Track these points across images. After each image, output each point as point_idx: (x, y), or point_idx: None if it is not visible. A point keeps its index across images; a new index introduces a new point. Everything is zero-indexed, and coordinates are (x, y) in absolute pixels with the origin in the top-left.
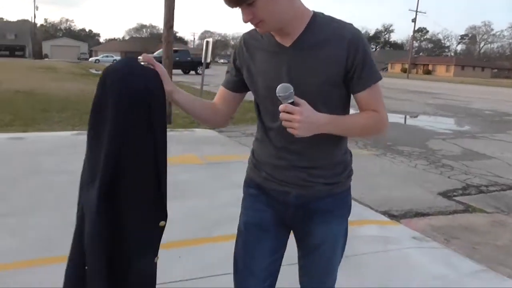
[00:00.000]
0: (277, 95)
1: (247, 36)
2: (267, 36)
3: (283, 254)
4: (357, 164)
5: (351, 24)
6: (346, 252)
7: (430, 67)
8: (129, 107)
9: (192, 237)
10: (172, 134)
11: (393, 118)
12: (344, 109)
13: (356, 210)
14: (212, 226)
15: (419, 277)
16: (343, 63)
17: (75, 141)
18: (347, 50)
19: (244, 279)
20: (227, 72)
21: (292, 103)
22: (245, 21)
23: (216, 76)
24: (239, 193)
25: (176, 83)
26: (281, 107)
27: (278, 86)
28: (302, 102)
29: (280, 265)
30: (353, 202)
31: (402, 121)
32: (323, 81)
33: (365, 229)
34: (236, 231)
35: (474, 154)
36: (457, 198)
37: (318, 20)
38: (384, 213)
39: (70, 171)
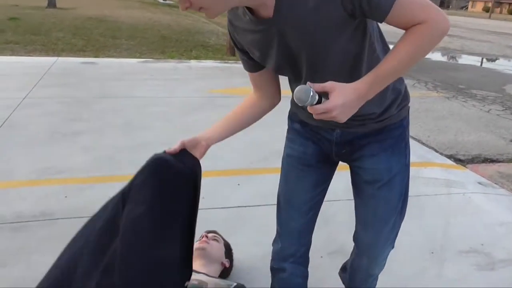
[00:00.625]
0: (297, 101)
1: (231, 17)
2: (243, 14)
3: (327, 187)
4: (425, 106)
5: None
6: None
7: None
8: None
9: (251, 167)
10: (236, 66)
11: (468, 60)
12: (378, 39)
13: (420, 152)
14: (271, 157)
15: (482, 221)
16: (339, 8)
17: (142, 68)
18: None
19: (286, 212)
20: (240, 57)
21: (319, 97)
22: (182, 9)
23: None
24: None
25: None
26: (310, 109)
27: (296, 95)
28: (328, 87)
29: (323, 198)
30: (417, 144)
31: (478, 63)
32: (330, 39)
33: (428, 171)
34: None
35: None
36: None
37: None
38: (450, 156)
39: (136, 96)
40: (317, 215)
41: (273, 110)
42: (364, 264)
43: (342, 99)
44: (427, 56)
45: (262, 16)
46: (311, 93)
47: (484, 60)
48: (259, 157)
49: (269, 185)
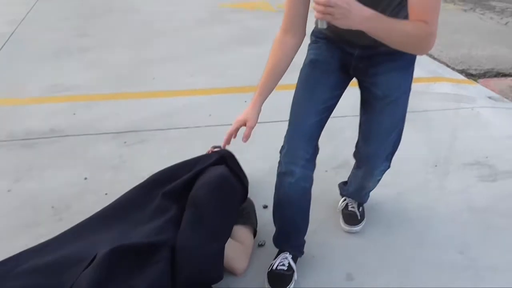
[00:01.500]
0: None
1: None
2: None
3: (341, 95)
4: (440, 19)
5: None
6: (415, 107)
7: None
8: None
9: (258, 84)
10: None
11: None
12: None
13: (431, 67)
14: None
15: (488, 135)
16: None
17: None
18: None
19: (303, 109)
20: None
21: None
22: None
23: None
24: (309, 42)
25: None
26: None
27: None
28: None
29: (336, 104)
30: (428, 59)
31: None
32: None
33: (438, 86)
34: None
35: None
36: None
37: None
38: (462, 71)
39: (143, 11)
40: (327, 120)
41: (279, 25)
42: (360, 175)
43: (349, 4)
44: None
45: None
46: None
47: None
48: None
49: (276, 101)
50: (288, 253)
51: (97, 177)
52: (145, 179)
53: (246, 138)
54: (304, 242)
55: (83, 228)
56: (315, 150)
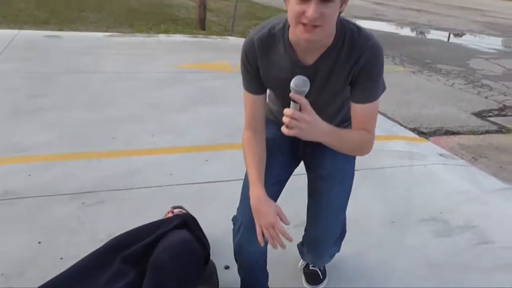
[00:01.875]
0: (294, 87)
1: (264, 48)
2: (285, 50)
3: (292, 172)
4: (391, 81)
5: (371, 40)
6: (372, 164)
7: None
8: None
9: (219, 143)
10: (206, 41)
11: (435, 35)
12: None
13: (385, 125)
14: (237, 133)
15: (441, 191)
16: (352, 76)
17: (109, 42)
18: (358, 65)
19: (247, 198)
20: (249, 75)
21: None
22: (312, 16)
23: None
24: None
25: None
26: (289, 112)
27: (296, 78)
28: (309, 108)
29: (288, 178)
30: (382, 118)
31: (445, 38)
32: (337, 93)
33: (392, 143)
34: None
35: None
36: (491, 119)
37: (342, 36)
38: (414, 129)
39: (103, 71)
40: (280, 193)
41: (241, 85)
42: (310, 258)
43: (316, 118)
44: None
45: (302, 61)
46: (308, 87)
47: (451, 35)
48: (226, 133)
49: (236, 160)
50: None
51: (52, 240)
52: (103, 241)
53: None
54: (267, 277)
55: None
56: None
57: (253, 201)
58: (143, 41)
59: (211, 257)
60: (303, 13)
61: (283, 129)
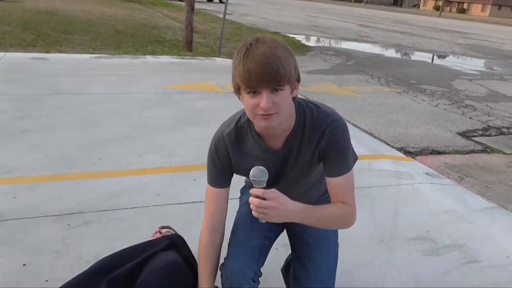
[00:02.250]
0: (251, 178)
1: (234, 143)
2: (253, 139)
3: (278, 236)
4: (377, 101)
5: (332, 115)
6: (359, 184)
7: (465, 6)
8: None
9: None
10: (193, 62)
11: (419, 56)
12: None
13: (372, 145)
14: None
15: (428, 210)
16: (319, 151)
17: (95, 64)
18: (323, 141)
19: (246, 230)
20: (217, 170)
21: (264, 188)
22: (266, 107)
23: (240, 6)
24: None
25: (199, 11)
26: (254, 191)
27: (253, 169)
28: (274, 190)
29: (276, 237)
30: (369, 137)
31: (429, 60)
32: (305, 172)
33: (379, 163)
34: None
35: (500, 96)
36: (476, 139)
37: (302, 118)
38: (400, 149)
39: (90, 93)
40: (269, 250)
41: (228, 105)
42: None
43: (284, 201)
44: (380, 53)
45: (271, 146)
46: (266, 176)
47: (435, 56)
48: None
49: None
50: None
51: (37, 263)
52: (90, 262)
53: None
54: None
55: None
56: (260, 271)
57: None
58: (130, 62)
59: None
60: (257, 105)
61: (254, 213)
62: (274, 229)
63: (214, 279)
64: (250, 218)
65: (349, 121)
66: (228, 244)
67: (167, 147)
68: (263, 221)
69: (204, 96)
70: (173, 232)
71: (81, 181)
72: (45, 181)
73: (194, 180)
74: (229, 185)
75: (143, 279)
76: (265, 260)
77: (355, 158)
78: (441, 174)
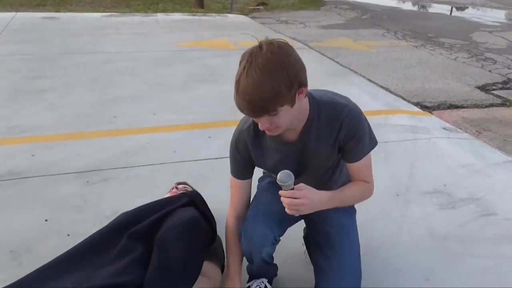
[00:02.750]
0: (279, 183)
1: (251, 138)
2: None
3: (295, 220)
4: (393, 55)
5: (347, 106)
6: None
7: None
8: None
9: (221, 119)
10: (205, 19)
11: (437, 9)
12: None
13: (388, 100)
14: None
15: (445, 164)
16: (338, 143)
17: (107, 22)
18: (341, 132)
19: (269, 198)
20: (239, 163)
21: (292, 189)
22: (262, 129)
23: None
24: None
25: None
26: (283, 193)
27: (280, 174)
28: (302, 185)
29: (290, 223)
30: (385, 92)
31: (447, 12)
32: (325, 162)
33: (395, 118)
34: None
35: None
36: (495, 92)
37: (316, 110)
38: (417, 104)
39: (102, 52)
40: (289, 223)
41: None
42: None
43: (313, 194)
44: (396, 6)
45: (286, 138)
46: (292, 179)
47: (453, 8)
48: (229, 109)
49: None
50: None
51: (58, 218)
52: (109, 218)
53: None
54: (276, 267)
55: (47, 270)
56: (279, 236)
57: None
58: (141, 20)
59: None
60: (258, 123)
61: (287, 211)
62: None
63: (241, 265)
64: (272, 189)
65: (364, 76)
66: (250, 208)
67: (182, 104)
68: (296, 214)
69: (217, 53)
70: (190, 189)
71: (97, 139)
72: (62, 139)
73: (209, 137)
74: (251, 177)
75: (163, 234)
76: (285, 230)
77: (375, 142)
78: (459, 128)
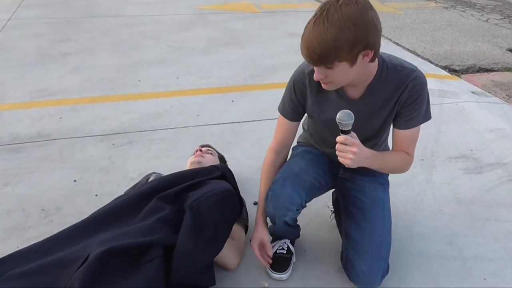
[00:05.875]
0: (338, 121)
1: (311, 75)
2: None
3: (323, 190)
4: (422, 17)
5: (415, 71)
6: None
7: None
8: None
9: (245, 83)
10: None
11: None
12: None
13: (415, 63)
14: (264, 73)
15: (472, 129)
16: (398, 106)
17: None
18: (404, 95)
19: (303, 164)
20: (290, 102)
21: (350, 132)
22: (316, 79)
23: None
24: (293, 43)
25: None
26: (341, 139)
27: (340, 112)
28: (355, 136)
29: (318, 193)
30: (412, 56)
31: None
32: (381, 126)
33: None
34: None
35: None
36: None
37: (384, 73)
38: (445, 67)
39: (124, 15)
40: (317, 193)
41: (265, 25)
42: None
43: (361, 148)
44: None
45: (348, 94)
46: (352, 119)
47: None
48: (253, 73)
49: (262, 101)
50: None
51: (86, 179)
52: (134, 179)
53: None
54: (299, 228)
55: (76, 229)
56: (305, 203)
57: (254, 243)
58: None
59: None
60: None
61: (340, 159)
62: (326, 178)
63: None
64: (306, 156)
65: (390, 39)
66: (280, 171)
67: (204, 68)
68: (347, 165)
69: (240, 16)
70: (213, 150)
71: (122, 103)
72: (88, 102)
73: (232, 101)
74: (299, 120)
75: (197, 199)
76: (312, 198)
77: (429, 116)
78: (488, 92)
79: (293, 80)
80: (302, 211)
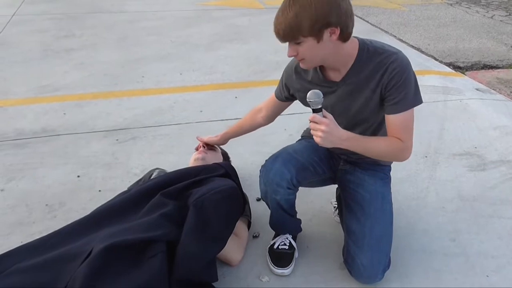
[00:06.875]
0: (308, 100)
1: (299, 69)
2: (314, 70)
3: (318, 177)
4: (426, 13)
5: (396, 53)
6: None
7: None
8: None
9: (248, 80)
10: None
11: None
12: (380, 123)
13: (419, 61)
14: (266, 69)
15: (476, 126)
16: (380, 89)
17: None
18: (384, 77)
19: (299, 148)
20: (279, 86)
21: (320, 110)
22: (289, 56)
23: None
24: None
25: None
26: (310, 117)
27: (309, 92)
28: (329, 116)
29: (312, 177)
30: (416, 53)
31: None
32: (365, 109)
33: (426, 79)
34: None
35: None
36: None
37: (364, 56)
38: (449, 64)
39: (128, 11)
40: (311, 177)
41: (269, 21)
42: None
43: (332, 127)
44: None
45: (329, 78)
46: (321, 97)
47: None
48: (256, 70)
49: (266, 97)
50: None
51: (90, 174)
52: (137, 175)
53: (201, 141)
54: (300, 221)
55: (79, 225)
56: (297, 183)
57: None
58: None
59: (244, 190)
60: None
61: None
62: (323, 166)
63: (237, 132)
64: (303, 143)
65: (394, 36)
66: (274, 153)
67: (208, 64)
68: (320, 144)
69: (244, 12)
70: (216, 146)
71: (125, 98)
72: (92, 98)
73: (236, 97)
74: (286, 103)
75: (202, 196)
76: (305, 180)
77: (418, 100)
78: (492, 89)
79: (286, 66)
80: (305, 207)
